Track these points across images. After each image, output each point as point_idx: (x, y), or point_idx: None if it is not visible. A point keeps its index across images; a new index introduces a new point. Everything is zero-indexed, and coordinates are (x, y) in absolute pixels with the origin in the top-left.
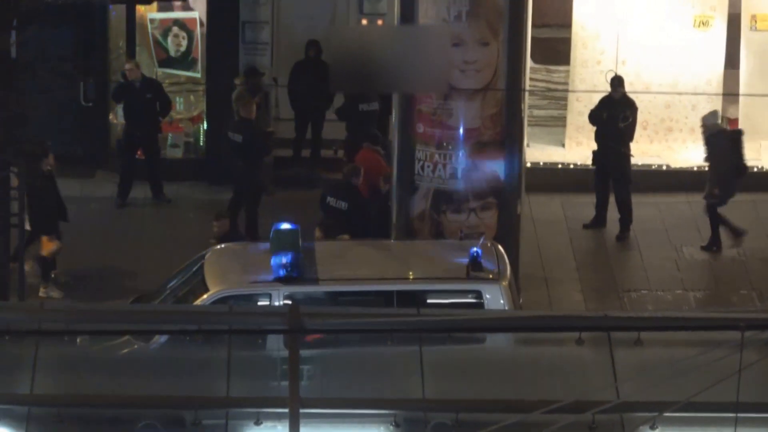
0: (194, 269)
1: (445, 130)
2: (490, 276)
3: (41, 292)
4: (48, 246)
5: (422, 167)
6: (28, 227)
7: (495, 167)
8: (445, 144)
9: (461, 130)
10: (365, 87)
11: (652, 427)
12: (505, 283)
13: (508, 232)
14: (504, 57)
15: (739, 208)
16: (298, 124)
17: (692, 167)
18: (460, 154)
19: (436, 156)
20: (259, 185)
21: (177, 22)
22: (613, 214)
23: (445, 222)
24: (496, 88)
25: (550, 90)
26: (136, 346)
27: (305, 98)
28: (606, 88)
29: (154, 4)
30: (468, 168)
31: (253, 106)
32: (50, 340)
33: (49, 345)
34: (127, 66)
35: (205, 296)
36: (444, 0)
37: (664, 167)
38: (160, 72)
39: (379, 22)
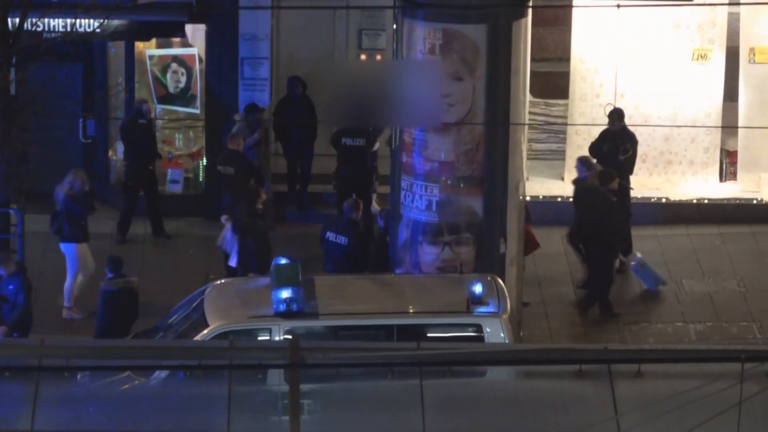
0: (194, 304)
1: (424, 161)
2: (490, 310)
3: None
4: None
5: (404, 196)
6: None
7: (472, 203)
8: (422, 175)
9: (437, 163)
10: (357, 121)
11: None
12: (505, 316)
13: (489, 271)
14: (482, 93)
15: (739, 240)
16: (288, 160)
17: (692, 200)
18: (436, 186)
19: (415, 186)
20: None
21: (176, 58)
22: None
23: (421, 253)
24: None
25: (548, 123)
26: (136, 382)
27: (292, 134)
28: (605, 121)
29: (153, 41)
30: (443, 201)
31: (240, 139)
32: (51, 376)
33: (49, 381)
34: (144, 102)
35: (205, 331)
36: (419, 33)
37: (664, 200)
38: (160, 108)
39: (378, 57)
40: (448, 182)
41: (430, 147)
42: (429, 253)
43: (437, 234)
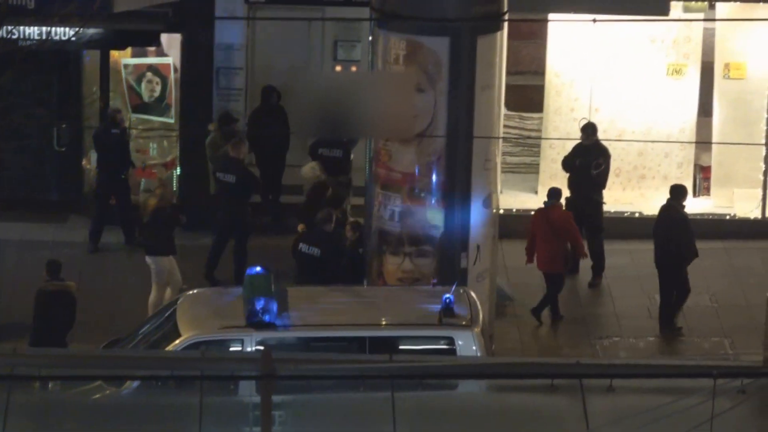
0: (167, 314)
1: (386, 170)
2: (463, 323)
3: None
4: None
5: (373, 206)
6: None
7: (432, 215)
8: (386, 185)
9: (399, 174)
10: (330, 132)
11: None
12: (477, 329)
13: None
14: (443, 106)
15: (712, 255)
16: (261, 170)
17: None
18: (398, 196)
19: (381, 196)
20: (248, 225)
21: (151, 67)
22: (585, 261)
23: (385, 263)
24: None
25: (521, 137)
26: (108, 392)
27: (265, 144)
28: (579, 135)
29: (129, 50)
30: (404, 212)
31: (244, 147)
32: (22, 385)
33: (21, 390)
34: (117, 111)
35: (177, 342)
36: (385, 43)
37: (637, 215)
38: (134, 117)
39: (353, 68)
40: (410, 193)
41: (393, 157)
42: (391, 263)
43: (398, 244)
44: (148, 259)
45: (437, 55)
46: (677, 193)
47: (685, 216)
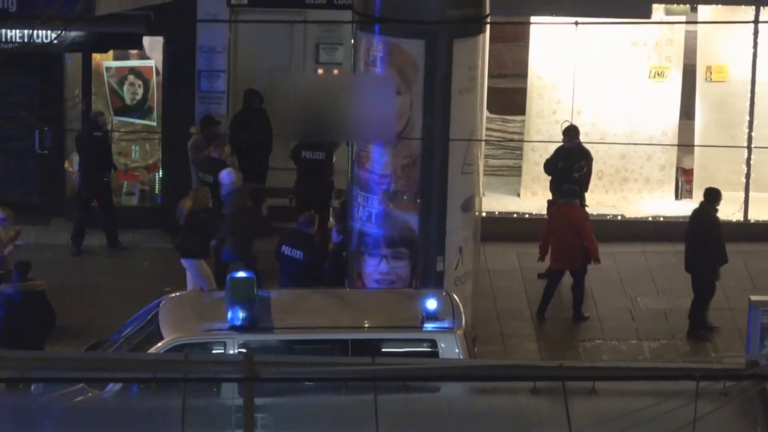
0: (149, 317)
1: (364, 172)
2: (445, 325)
3: None
4: None
5: (354, 207)
6: None
7: (408, 218)
8: (364, 186)
9: (376, 175)
10: (313, 135)
11: None
12: (459, 332)
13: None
14: (419, 109)
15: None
16: (243, 173)
17: (647, 217)
18: (375, 198)
19: (360, 197)
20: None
21: (133, 70)
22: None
23: (362, 264)
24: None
25: (504, 140)
26: (90, 394)
27: (248, 147)
28: (562, 138)
29: (111, 53)
30: (380, 213)
31: (226, 148)
32: (4, 387)
33: (2, 392)
34: (100, 114)
35: (159, 344)
36: (368, 46)
37: (619, 217)
38: (116, 120)
39: (335, 71)
40: (386, 195)
41: (370, 158)
42: (369, 265)
43: (375, 246)
44: (184, 263)
45: (414, 58)
46: (712, 197)
47: (717, 220)
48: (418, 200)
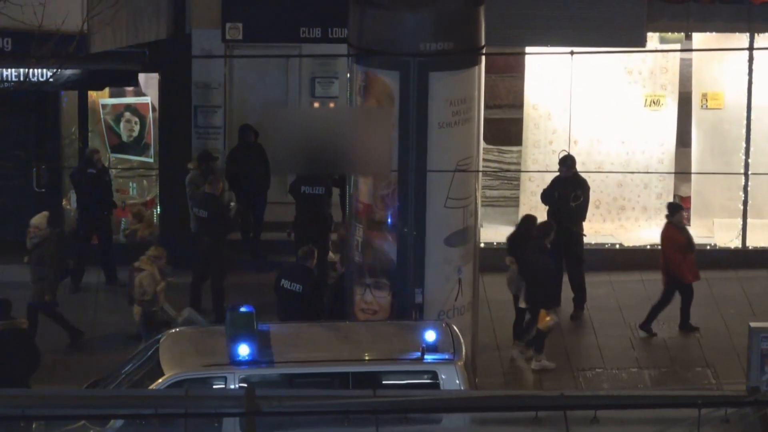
0: (149, 353)
1: (354, 201)
2: (445, 356)
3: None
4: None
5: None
6: None
7: (387, 248)
8: (354, 215)
9: (361, 204)
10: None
11: None
12: (460, 363)
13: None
14: (395, 139)
15: (693, 285)
16: (243, 208)
17: (645, 246)
18: (360, 227)
19: (352, 227)
20: (225, 260)
21: (129, 107)
22: (567, 293)
23: (352, 293)
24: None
25: (501, 171)
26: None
27: (245, 182)
28: (558, 167)
29: (106, 90)
30: (364, 242)
31: (220, 183)
32: (6, 426)
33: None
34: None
35: (160, 380)
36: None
37: (617, 246)
38: (113, 157)
39: (331, 104)
40: (368, 224)
41: (357, 187)
42: (356, 293)
43: (360, 275)
44: None
45: (390, 88)
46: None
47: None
48: (388, 233)
